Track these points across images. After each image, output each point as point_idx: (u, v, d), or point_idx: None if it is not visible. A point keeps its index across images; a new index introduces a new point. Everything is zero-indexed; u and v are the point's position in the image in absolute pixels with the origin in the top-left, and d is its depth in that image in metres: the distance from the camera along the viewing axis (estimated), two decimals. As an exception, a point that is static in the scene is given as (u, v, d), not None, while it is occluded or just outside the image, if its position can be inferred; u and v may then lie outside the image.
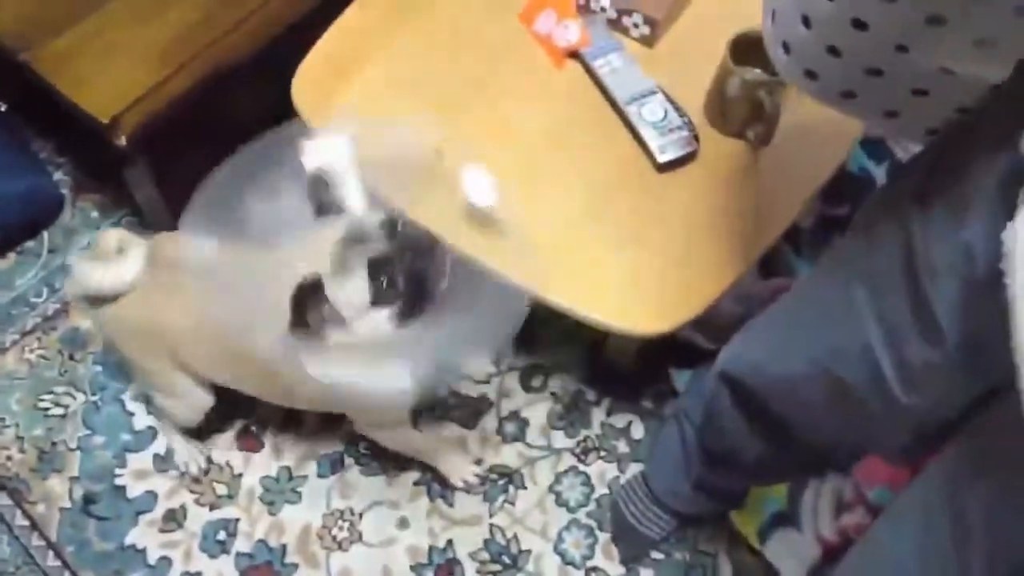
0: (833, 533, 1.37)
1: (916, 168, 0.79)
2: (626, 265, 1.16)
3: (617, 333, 1.17)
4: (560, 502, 1.43)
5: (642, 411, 1.50)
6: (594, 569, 1.39)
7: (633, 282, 1.15)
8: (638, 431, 1.48)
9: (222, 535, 1.40)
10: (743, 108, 1.20)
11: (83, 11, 1.32)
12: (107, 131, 1.25)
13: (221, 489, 1.44)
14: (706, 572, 1.38)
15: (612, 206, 1.20)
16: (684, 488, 1.27)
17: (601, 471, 1.45)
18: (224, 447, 1.47)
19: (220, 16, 1.33)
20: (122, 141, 1.26)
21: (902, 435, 0.90)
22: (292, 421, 1.48)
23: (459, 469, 1.42)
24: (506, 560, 1.39)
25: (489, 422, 1.48)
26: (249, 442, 1.47)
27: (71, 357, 1.53)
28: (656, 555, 1.39)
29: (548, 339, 1.53)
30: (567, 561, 1.39)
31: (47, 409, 1.49)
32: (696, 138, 1.22)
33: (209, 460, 1.45)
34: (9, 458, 1.45)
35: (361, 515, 1.42)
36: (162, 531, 1.41)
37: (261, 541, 1.40)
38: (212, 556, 1.39)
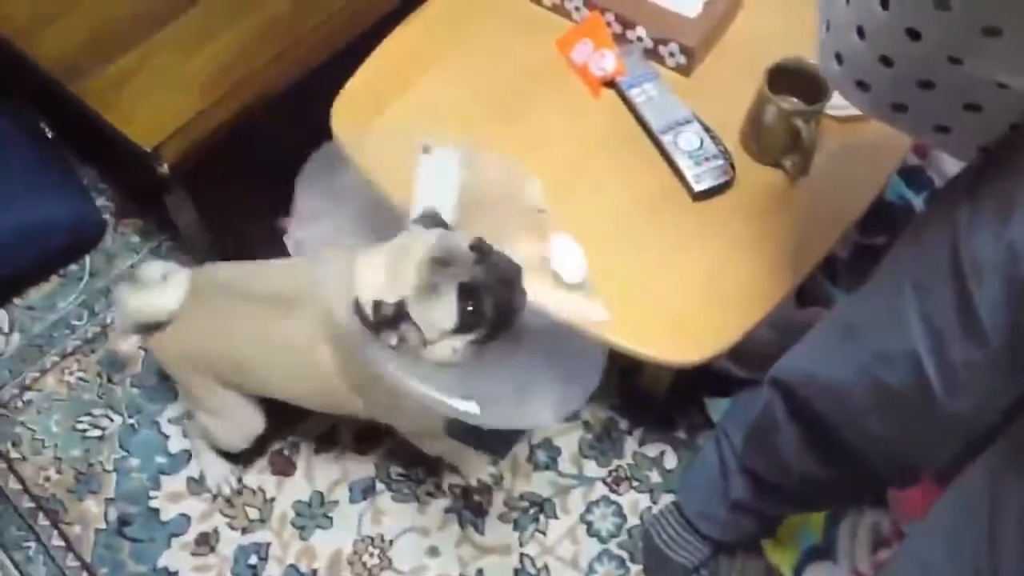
0: (869, 568, 1.35)
1: (969, 169, 0.78)
2: (661, 294, 1.15)
3: (651, 363, 1.16)
4: (592, 532, 1.42)
5: (675, 441, 1.49)
6: (626, 601, 1.37)
7: (668, 311, 1.14)
8: (671, 461, 1.47)
9: (253, 559, 1.41)
10: (780, 137, 1.19)
11: (129, 43, 1.35)
12: (150, 159, 1.28)
13: (253, 513, 1.44)
14: (740, 606, 1.36)
15: (647, 234, 1.20)
16: (719, 512, 1.26)
17: (633, 501, 1.44)
18: (257, 471, 1.47)
19: (260, 48, 1.36)
20: (164, 169, 1.28)
21: (949, 444, 0.89)
22: (325, 445, 1.49)
23: (476, 469, 1.43)
24: (537, 590, 1.38)
25: (521, 450, 1.48)
26: (282, 466, 1.48)
27: (110, 380, 1.56)
28: (689, 587, 1.37)
29: (581, 367, 1.52)
30: (599, 592, 1.38)
31: (85, 431, 1.51)
32: (732, 167, 1.22)
33: (241, 483, 1.46)
34: (47, 479, 1.47)
35: (392, 542, 1.41)
36: (194, 554, 1.41)
37: (292, 566, 1.40)
38: (244, 580, 1.40)
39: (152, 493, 1.46)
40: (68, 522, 1.44)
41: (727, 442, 1.21)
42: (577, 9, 1.37)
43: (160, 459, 1.48)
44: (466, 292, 0.97)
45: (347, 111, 1.29)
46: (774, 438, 1.09)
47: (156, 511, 1.44)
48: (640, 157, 1.25)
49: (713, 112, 1.26)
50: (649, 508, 1.43)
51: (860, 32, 0.70)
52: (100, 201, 1.74)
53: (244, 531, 1.43)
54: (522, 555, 1.40)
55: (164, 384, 1.53)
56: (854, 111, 1.17)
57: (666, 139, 1.23)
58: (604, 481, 1.45)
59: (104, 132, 1.31)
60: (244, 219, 1.48)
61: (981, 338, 0.73)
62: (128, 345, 1.58)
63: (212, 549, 1.42)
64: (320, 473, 1.47)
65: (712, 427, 1.43)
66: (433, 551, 1.41)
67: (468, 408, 0.96)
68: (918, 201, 1.60)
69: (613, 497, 1.44)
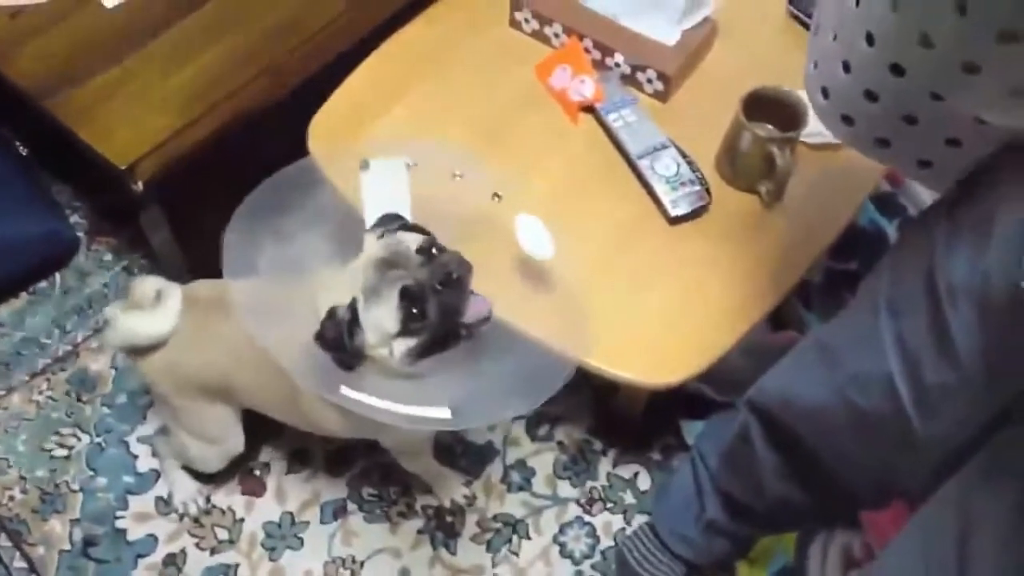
0: (841, 589, 1.36)
1: (949, 193, 0.80)
2: (637, 317, 1.16)
3: (626, 384, 1.17)
4: (565, 553, 1.42)
5: (649, 462, 1.49)
6: (599, 623, 1.37)
7: (643, 334, 1.15)
8: (645, 482, 1.47)
9: (222, 581, 1.39)
10: (755, 163, 1.21)
11: (106, 62, 1.34)
12: (124, 177, 1.27)
13: (222, 533, 1.42)
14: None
15: (624, 258, 1.21)
16: (693, 533, 1.26)
17: (607, 522, 1.44)
18: (226, 491, 1.46)
19: (238, 69, 1.36)
20: (138, 187, 1.27)
21: (923, 466, 0.91)
22: (296, 465, 1.47)
23: (451, 489, 1.43)
24: (510, 613, 1.37)
25: (495, 470, 1.48)
26: (252, 486, 1.46)
27: (79, 399, 1.53)
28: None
29: (555, 388, 1.53)
30: (572, 615, 1.37)
31: (51, 450, 1.48)
32: (708, 192, 1.23)
33: (210, 502, 1.44)
34: (11, 498, 1.44)
35: (363, 563, 1.40)
36: (161, 575, 1.39)
37: (262, 588, 1.38)
38: (212, 602, 1.38)
39: (119, 513, 1.43)
40: (32, 543, 1.41)
41: (702, 464, 1.22)
42: (556, 35, 1.38)
43: (128, 479, 1.46)
44: (408, 295, 0.96)
45: (324, 132, 1.29)
46: (750, 459, 1.10)
47: (123, 531, 1.42)
48: (617, 182, 1.27)
49: (690, 138, 1.28)
50: (623, 529, 1.43)
51: (846, 67, 0.73)
52: (74, 218, 1.73)
53: (212, 552, 1.41)
54: (495, 577, 1.40)
55: (134, 403, 1.51)
56: (828, 138, 1.20)
57: (643, 164, 1.25)
58: (578, 502, 1.45)
59: (79, 149, 1.30)
60: (219, 238, 1.47)
61: (954, 361, 0.75)
62: (99, 364, 1.56)
63: (179, 570, 1.39)
64: (291, 493, 1.46)
65: (687, 449, 1.44)
66: (405, 572, 1.39)
67: (439, 415, 0.96)
68: (891, 227, 1.63)
69: (587, 518, 1.44)
